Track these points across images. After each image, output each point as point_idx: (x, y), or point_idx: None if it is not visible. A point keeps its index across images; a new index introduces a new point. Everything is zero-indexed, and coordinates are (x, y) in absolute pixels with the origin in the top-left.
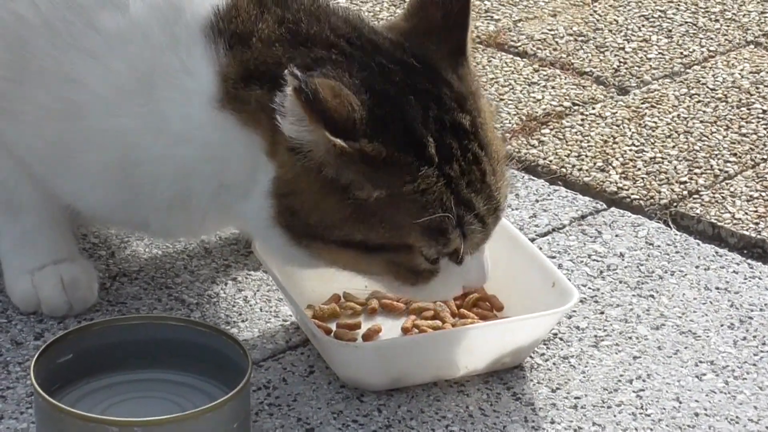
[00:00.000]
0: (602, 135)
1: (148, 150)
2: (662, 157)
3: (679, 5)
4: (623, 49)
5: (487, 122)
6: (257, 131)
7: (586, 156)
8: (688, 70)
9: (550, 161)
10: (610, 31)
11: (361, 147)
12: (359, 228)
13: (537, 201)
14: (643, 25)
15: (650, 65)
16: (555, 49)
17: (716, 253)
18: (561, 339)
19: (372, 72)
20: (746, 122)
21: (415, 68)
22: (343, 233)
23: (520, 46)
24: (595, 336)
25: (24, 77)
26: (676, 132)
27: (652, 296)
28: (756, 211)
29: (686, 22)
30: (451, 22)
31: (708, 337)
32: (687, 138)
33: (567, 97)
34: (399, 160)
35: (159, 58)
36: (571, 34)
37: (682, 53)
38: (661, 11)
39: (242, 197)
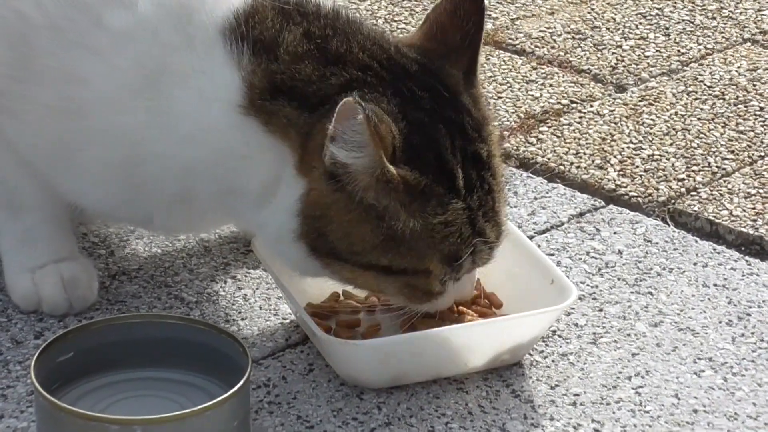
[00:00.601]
0: (600, 132)
1: (152, 148)
2: (660, 155)
3: (676, 3)
4: (621, 46)
5: (496, 149)
6: (285, 144)
7: (584, 153)
8: (685, 68)
9: (549, 159)
10: (608, 29)
11: (405, 175)
12: (385, 255)
13: (535, 198)
14: (640, 23)
15: (648, 63)
16: (553, 47)
17: (714, 250)
18: (560, 336)
19: (405, 98)
20: (743, 119)
21: (442, 95)
22: (369, 258)
23: (518, 44)
24: (594, 333)
25: (27, 75)
26: (674, 129)
27: (650, 293)
28: (754, 208)
29: (683, 20)
30: (467, 43)
31: (706, 333)
32: (684, 135)
33: (565, 95)
34: (433, 191)
35: (169, 56)
36: (568, 32)
37: (679, 51)
38: (658, 9)
39: (255, 205)
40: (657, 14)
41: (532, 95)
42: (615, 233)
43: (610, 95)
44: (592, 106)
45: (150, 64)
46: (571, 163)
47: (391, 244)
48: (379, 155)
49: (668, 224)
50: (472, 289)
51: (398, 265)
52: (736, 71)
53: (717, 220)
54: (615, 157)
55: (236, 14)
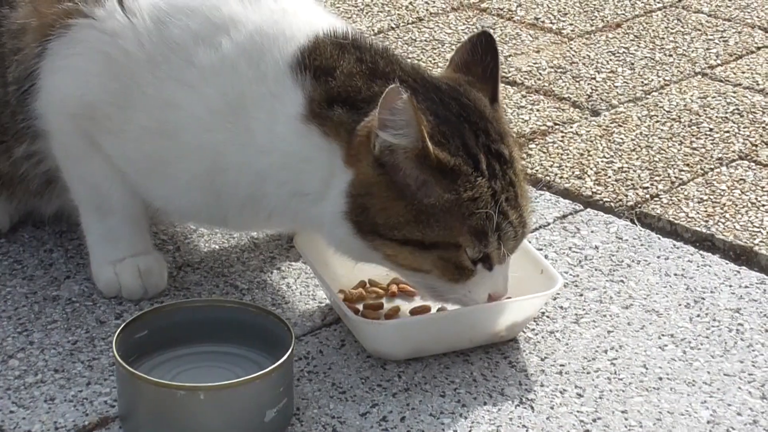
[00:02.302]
0: (579, 149)
1: (232, 159)
2: (628, 167)
3: (639, 43)
4: (595, 78)
5: (518, 159)
6: (336, 141)
7: (566, 166)
8: (648, 96)
9: (537, 171)
10: (584, 64)
11: (438, 153)
12: (419, 228)
13: None
14: (610, 59)
15: (617, 92)
16: (539, 79)
17: (674, 245)
18: (548, 317)
19: (434, 102)
20: (696, 138)
21: (468, 106)
22: (405, 232)
23: (510, 76)
24: (576, 314)
25: (128, 103)
26: (639, 146)
27: (622, 281)
28: (706, 211)
29: (646, 57)
30: (488, 74)
31: (668, 314)
32: (648, 151)
33: (549, 119)
34: (462, 169)
35: (246, 86)
36: (551, 67)
37: (642, 82)
38: (625, 48)
39: (315, 201)
40: (624, 52)
41: (522, 118)
42: (592, 232)
43: (586, 118)
44: (571, 127)
45: (231, 92)
46: (555, 174)
47: (423, 218)
48: (421, 130)
49: (636, 224)
50: (505, 285)
51: (430, 238)
52: (690, 99)
53: (676, 221)
54: (591, 169)
55: (302, 49)
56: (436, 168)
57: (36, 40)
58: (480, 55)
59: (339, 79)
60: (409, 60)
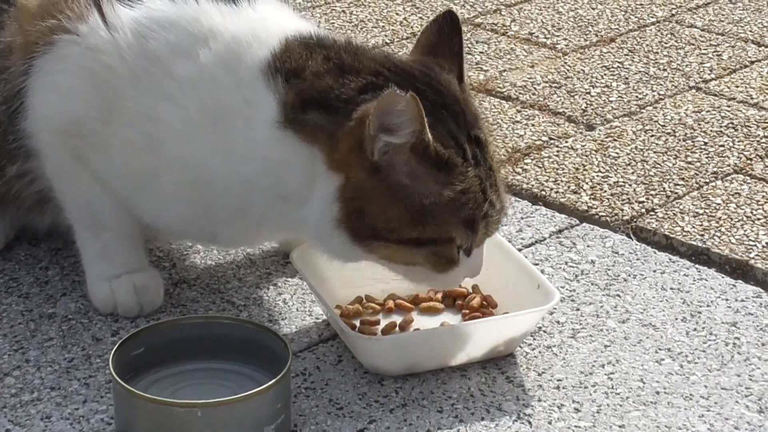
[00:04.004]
0: (574, 164)
1: (217, 169)
2: (624, 181)
3: (633, 57)
4: (589, 93)
5: (490, 138)
6: (316, 145)
7: (562, 181)
8: (642, 110)
9: (532, 185)
10: (579, 78)
11: (435, 146)
12: (418, 227)
13: (522, 218)
14: (605, 74)
15: (612, 106)
16: (534, 94)
17: (670, 259)
18: (545, 332)
19: (414, 92)
20: (691, 152)
21: (442, 92)
22: (403, 233)
23: (505, 91)
24: (573, 329)
25: (113, 117)
26: (635, 161)
27: (618, 295)
28: (701, 225)
29: (640, 71)
30: (454, 53)
31: (665, 328)
32: (643, 165)
33: (544, 133)
34: (455, 161)
35: (225, 95)
36: (546, 82)
37: (637, 96)
38: (619, 62)
39: (299, 205)
40: (618, 66)
41: (518, 133)
42: (588, 246)
43: (581, 133)
44: (566, 142)
45: (210, 102)
46: (551, 189)
47: (421, 217)
48: (424, 124)
49: (632, 239)
50: (480, 266)
51: (428, 235)
52: (684, 113)
53: (672, 235)
54: (587, 183)
55: (273, 53)
56: (433, 161)
57: (22, 58)
58: (446, 36)
59: (308, 80)
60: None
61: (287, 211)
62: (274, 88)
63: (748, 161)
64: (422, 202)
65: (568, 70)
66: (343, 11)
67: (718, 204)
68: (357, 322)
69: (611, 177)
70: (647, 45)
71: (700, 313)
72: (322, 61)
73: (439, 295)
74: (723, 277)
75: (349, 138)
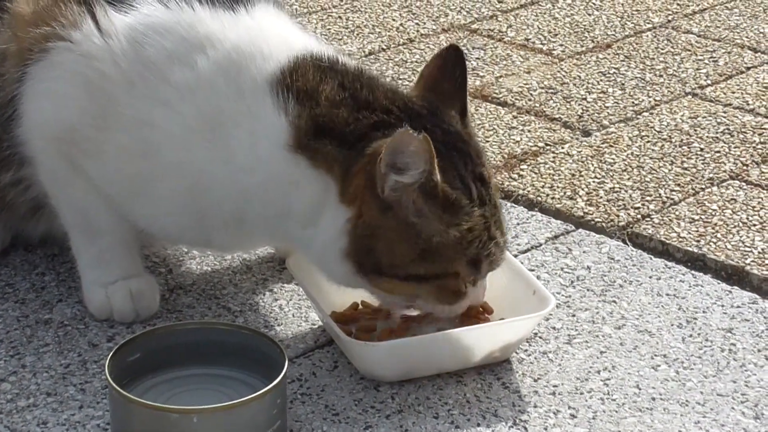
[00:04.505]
0: (570, 170)
1: (214, 176)
2: (620, 187)
3: (629, 63)
4: (585, 99)
5: (492, 175)
6: (330, 175)
7: (558, 187)
8: (638, 116)
9: (528, 191)
10: (575, 84)
11: (443, 188)
12: (423, 264)
13: (518, 224)
14: (601, 80)
15: (608, 112)
16: (530, 100)
17: (666, 265)
18: (540, 338)
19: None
20: (687, 158)
21: (448, 131)
22: (408, 270)
23: (501, 97)
24: (569, 335)
25: (107, 124)
26: (631, 166)
27: (614, 302)
28: (697, 231)
29: (636, 77)
30: (457, 88)
31: (661, 335)
32: (639, 171)
33: (540, 139)
34: (461, 202)
35: (224, 103)
36: (542, 87)
37: (633, 102)
38: (615, 68)
39: (301, 225)
40: (614, 72)
41: (514, 139)
42: (584, 252)
43: (577, 139)
44: (563, 148)
45: (208, 109)
46: (547, 195)
47: (427, 255)
48: (434, 165)
49: (628, 245)
50: (484, 293)
51: (432, 272)
52: (680, 119)
53: (667, 241)
54: (582, 189)
55: (283, 69)
56: (440, 202)
57: (16, 65)
58: (449, 71)
59: (324, 107)
60: (387, 79)
61: (287, 227)
62: (283, 107)
63: (744, 167)
64: (428, 240)
65: (564, 76)
66: (340, 17)
67: (714, 210)
68: (353, 328)
69: (607, 183)
70: (643, 51)
71: (696, 319)
72: (337, 89)
73: None
74: (719, 284)
75: (361, 174)
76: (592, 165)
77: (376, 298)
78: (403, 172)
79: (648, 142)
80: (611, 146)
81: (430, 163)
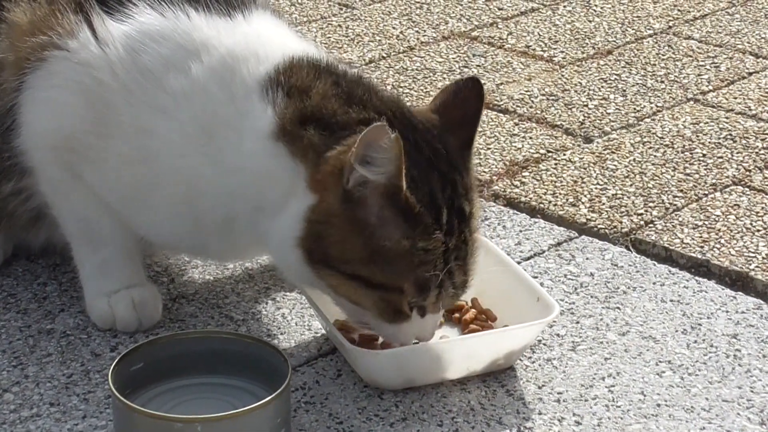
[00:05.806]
0: (572, 176)
1: (207, 181)
2: (622, 194)
3: (631, 69)
4: (587, 105)
5: (477, 215)
6: (303, 162)
7: (560, 193)
8: (640, 123)
9: (530, 198)
10: (576, 91)
11: (407, 195)
12: (369, 267)
13: (521, 231)
14: (602, 86)
15: (609, 119)
16: (531, 107)
17: (669, 271)
18: (545, 344)
19: (409, 142)
20: (690, 164)
21: (440, 153)
22: (354, 268)
23: (502, 104)
24: (573, 342)
25: (105, 131)
26: (633, 173)
27: (618, 308)
28: (701, 237)
29: (637, 83)
30: (466, 121)
31: (665, 341)
32: (642, 177)
33: (542, 146)
34: (423, 217)
35: (218, 108)
36: (544, 94)
37: (635, 108)
38: (616, 75)
39: (270, 217)
40: (616, 79)
41: (516, 146)
42: (587, 259)
43: (579, 146)
44: (564, 154)
45: (203, 115)
46: (549, 202)
47: (376, 258)
48: (401, 169)
49: (631, 251)
50: (433, 332)
51: (377, 278)
52: (682, 125)
53: (671, 247)
54: (585, 196)
55: (277, 68)
56: (402, 209)
57: (14, 74)
58: (462, 100)
59: (314, 99)
60: (390, 89)
61: (261, 221)
62: (271, 100)
63: (747, 173)
64: (380, 243)
65: (565, 83)
66: (339, 25)
67: (718, 216)
68: (356, 336)
69: (610, 189)
70: (645, 57)
71: (700, 325)
72: (332, 85)
73: None
74: (723, 289)
75: (333, 161)
76: (595, 171)
77: (333, 301)
78: (369, 166)
79: (650, 148)
80: (613, 152)
81: (397, 165)
